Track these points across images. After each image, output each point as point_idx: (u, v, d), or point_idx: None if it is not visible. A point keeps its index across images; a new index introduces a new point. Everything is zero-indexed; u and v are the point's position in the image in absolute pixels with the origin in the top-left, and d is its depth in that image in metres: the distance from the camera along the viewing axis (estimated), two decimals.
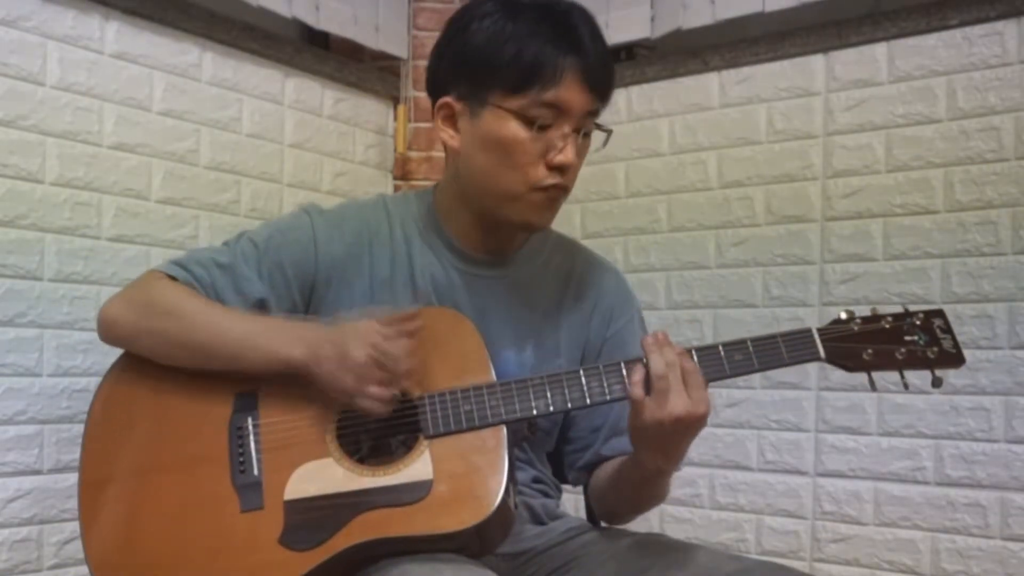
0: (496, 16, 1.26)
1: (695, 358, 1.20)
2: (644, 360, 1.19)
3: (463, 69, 1.28)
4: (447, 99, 1.30)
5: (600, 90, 1.28)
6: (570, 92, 1.24)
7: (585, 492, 1.48)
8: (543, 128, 1.25)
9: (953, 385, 2.00)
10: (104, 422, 1.32)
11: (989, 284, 1.98)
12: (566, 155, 1.26)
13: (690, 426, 1.17)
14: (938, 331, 1.20)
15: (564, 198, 1.33)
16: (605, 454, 1.40)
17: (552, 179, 1.27)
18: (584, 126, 1.28)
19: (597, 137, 1.35)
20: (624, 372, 1.21)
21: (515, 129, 1.25)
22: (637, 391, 1.17)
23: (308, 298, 1.35)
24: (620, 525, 1.44)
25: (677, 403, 1.14)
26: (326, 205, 1.44)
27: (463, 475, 1.18)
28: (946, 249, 2.02)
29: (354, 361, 1.19)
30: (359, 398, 1.19)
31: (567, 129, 1.26)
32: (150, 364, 1.31)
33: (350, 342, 1.21)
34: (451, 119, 1.31)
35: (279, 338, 1.24)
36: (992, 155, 1.98)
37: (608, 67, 1.29)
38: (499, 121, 1.26)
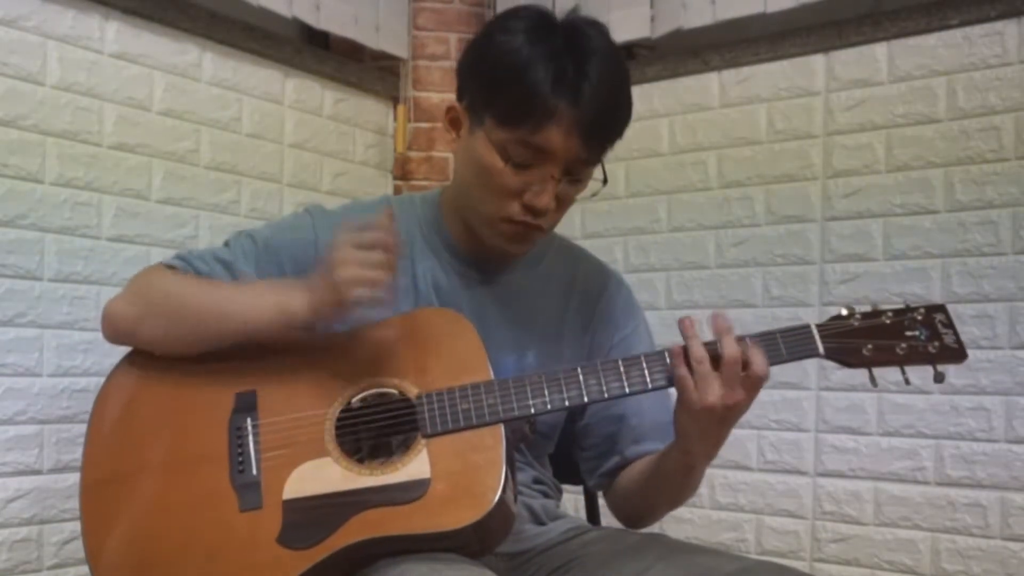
0: (519, 36, 1.22)
1: (669, 358, 1.20)
2: (666, 354, 1.19)
3: (473, 82, 1.28)
4: (456, 104, 1.31)
5: (591, 141, 1.23)
6: (555, 138, 1.20)
7: (605, 495, 1.47)
8: (522, 167, 1.23)
9: (953, 385, 2.00)
10: (106, 421, 1.32)
11: (989, 284, 1.98)
12: (540, 199, 1.23)
13: (741, 412, 1.20)
14: (940, 326, 1.19)
15: (541, 235, 1.31)
16: (631, 456, 1.39)
17: (524, 217, 1.25)
18: (574, 171, 1.25)
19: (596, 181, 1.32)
20: (622, 370, 1.21)
21: (495, 160, 1.24)
22: (682, 369, 1.17)
23: None
24: (645, 527, 1.44)
25: (719, 389, 1.16)
26: (329, 206, 1.44)
27: (461, 473, 1.18)
28: (946, 249, 2.02)
29: (331, 254, 1.19)
30: (348, 285, 1.17)
31: (548, 173, 1.23)
32: (152, 364, 1.31)
33: (325, 263, 1.20)
34: (456, 123, 1.32)
35: (283, 291, 1.24)
36: (992, 155, 1.98)
37: (610, 119, 1.24)
38: (484, 146, 1.25)
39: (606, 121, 1.24)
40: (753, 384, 1.18)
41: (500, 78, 1.22)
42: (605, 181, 1.29)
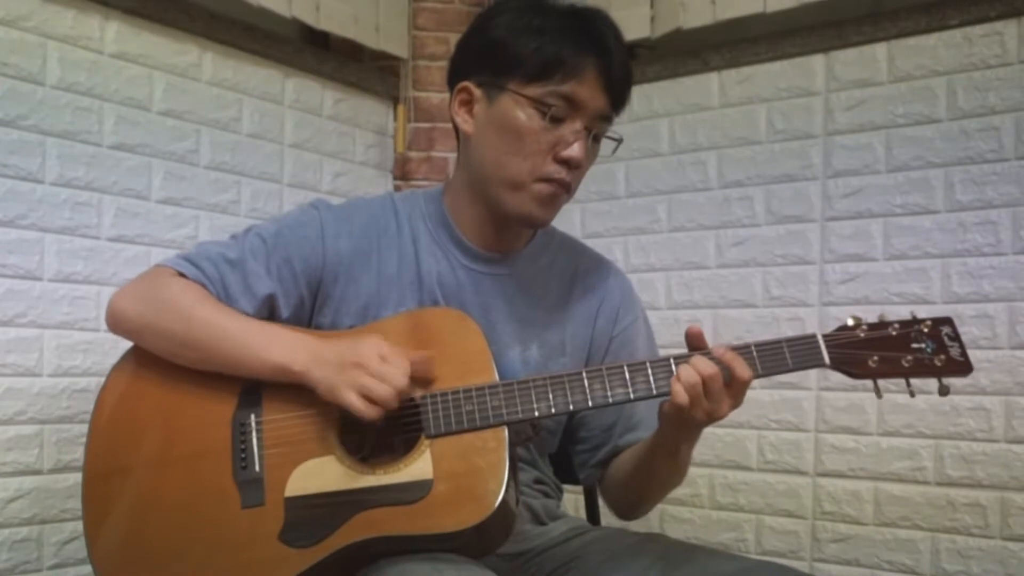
0: (524, 12, 1.29)
1: (675, 366, 1.21)
2: (671, 362, 1.20)
3: (486, 55, 1.31)
4: (466, 83, 1.33)
5: (616, 93, 1.29)
6: (588, 89, 1.26)
7: (599, 488, 1.48)
8: (556, 120, 1.27)
9: (953, 385, 2.00)
10: (109, 416, 1.32)
11: (989, 284, 1.98)
12: (575, 150, 1.27)
13: (725, 413, 1.21)
14: (946, 339, 1.19)
15: (566, 198, 1.34)
16: (622, 445, 1.41)
17: (558, 172, 1.29)
18: (596, 128, 1.30)
19: (607, 145, 1.35)
20: (627, 376, 1.21)
21: (529, 116, 1.27)
22: (684, 382, 1.18)
23: (315, 293, 1.36)
24: (640, 516, 1.46)
25: (722, 405, 1.18)
26: (334, 201, 1.44)
27: (463, 475, 1.18)
28: (946, 249, 2.02)
29: (353, 361, 1.19)
30: (350, 394, 1.18)
31: (579, 125, 1.28)
32: (156, 359, 1.32)
33: (356, 346, 1.21)
34: (468, 104, 1.34)
35: (280, 347, 1.24)
36: (992, 155, 1.98)
37: (627, 73, 1.31)
38: (515, 107, 1.28)
39: (627, 76, 1.30)
40: (737, 392, 1.19)
41: (523, 42, 1.27)
42: (620, 139, 1.34)
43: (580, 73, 1.25)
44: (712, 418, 1.19)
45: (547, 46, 1.26)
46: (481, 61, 1.31)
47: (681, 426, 1.23)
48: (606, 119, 1.31)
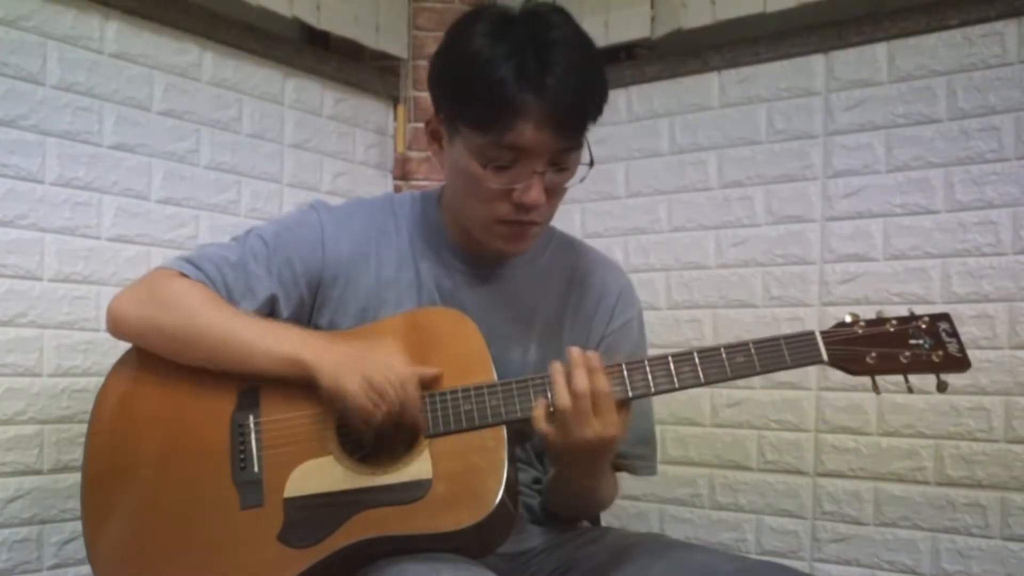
0: (480, 38, 1.20)
1: (696, 359, 1.20)
2: (667, 360, 1.20)
3: (442, 96, 1.27)
4: (433, 118, 1.30)
5: (565, 131, 1.21)
6: (528, 135, 1.19)
7: None
8: (503, 168, 1.22)
9: (953, 385, 1.98)
10: (108, 418, 1.32)
11: (989, 284, 1.98)
12: (528, 196, 1.22)
13: (600, 447, 1.18)
14: (943, 335, 1.19)
15: (539, 230, 1.31)
16: None
17: (517, 216, 1.25)
18: (559, 160, 1.24)
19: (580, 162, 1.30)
20: (625, 374, 1.21)
21: (476, 167, 1.23)
22: (541, 424, 1.18)
23: (315, 294, 1.36)
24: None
25: (584, 429, 1.15)
26: (330, 202, 1.44)
27: (462, 475, 1.18)
28: (946, 249, 2.02)
29: (364, 355, 1.20)
30: (354, 384, 1.19)
31: (531, 169, 1.22)
32: (155, 360, 1.32)
33: (370, 346, 1.21)
34: (437, 135, 1.31)
35: (289, 340, 1.25)
36: (992, 155, 1.98)
37: (579, 104, 1.21)
38: (464, 155, 1.24)
39: (575, 107, 1.21)
40: (603, 407, 1.16)
41: (465, 85, 1.21)
42: (592, 163, 1.28)
43: (516, 122, 1.18)
44: (571, 443, 1.17)
45: (486, 94, 1.18)
46: (442, 96, 1.28)
47: (552, 453, 1.23)
48: (565, 150, 1.24)
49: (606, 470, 1.31)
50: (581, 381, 1.16)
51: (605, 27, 2.39)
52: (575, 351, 1.19)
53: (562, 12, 1.25)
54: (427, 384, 1.23)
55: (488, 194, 1.24)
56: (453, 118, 1.25)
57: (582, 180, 1.28)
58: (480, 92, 1.19)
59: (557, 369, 1.19)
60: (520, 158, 1.21)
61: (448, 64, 1.26)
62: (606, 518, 1.59)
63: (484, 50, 1.19)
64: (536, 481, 1.47)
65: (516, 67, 1.17)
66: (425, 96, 2.56)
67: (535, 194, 1.23)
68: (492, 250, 1.33)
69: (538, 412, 1.18)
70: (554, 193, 1.27)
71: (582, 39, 1.24)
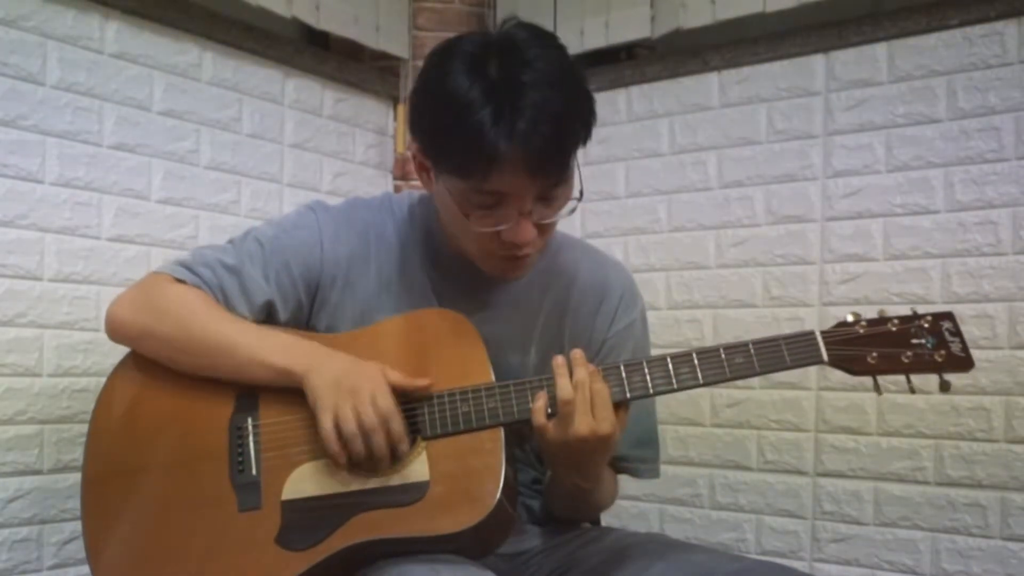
0: (456, 76, 1.16)
1: (695, 360, 1.20)
2: (666, 360, 1.20)
3: (422, 133, 1.24)
4: (417, 153, 1.27)
5: (542, 174, 1.18)
6: (507, 180, 1.16)
7: None
8: (488, 210, 1.20)
9: (953, 385, 1.99)
10: (109, 418, 1.32)
11: (989, 284, 1.98)
12: (515, 236, 1.20)
13: (596, 446, 1.17)
14: (947, 334, 1.18)
15: (534, 258, 1.29)
16: None
17: (509, 252, 1.23)
18: (545, 196, 1.21)
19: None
20: (624, 375, 1.20)
21: (458, 212, 1.22)
22: (539, 418, 1.18)
23: (313, 297, 1.36)
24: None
25: (581, 425, 1.15)
26: (329, 202, 1.44)
27: (460, 476, 1.18)
28: (946, 249, 2.02)
29: (349, 387, 1.20)
30: (327, 418, 1.19)
31: (515, 211, 1.19)
32: (153, 364, 1.32)
33: (358, 373, 1.20)
34: (424, 168, 1.28)
35: (281, 351, 1.25)
36: (992, 155, 1.98)
37: (555, 147, 1.17)
38: (447, 198, 1.23)
39: (551, 149, 1.17)
40: (599, 403, 1.16)
41: (443, 129, 1.18)
42: (580, 196, 1.25)
43: (494, 169, 1.15)
44: (567, 438, 1.17)
45: (459, 140, 1.16)
46: (422, 136, 1.24)
47: (548, 451, 1.23)
48: (550, 186, 1.21)
49: (603, 473, 1.30)
50: (582, 374, 1.16)
51: (605, 27, 2.39)
52: (576, 351, 1.19)
53: (541, 39, 1.20)
54: (418, 395, 1.22)
55: (476, 232, 1.22)
56: (434, 159, 1.23)
57: (571, 212, 1.25)
58: (457, 139, 1.16)
59: (560, 362, 1.19)
60: (503, 201, 1.19)
61: (425, 106, 1.22)
62: (606, 518, 1.59)
63: (459, 91, 1.15)
64: (535, 482, 1.46)
65: (491, 112, 1.13)
66: None
67: (523, 234, 1.20)
68: (490, 275, 1.32)
69: (538, 404, 1.18)
70: (545, 227, 1.25)
71: (557, 72, 1.18)
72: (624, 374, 1.20)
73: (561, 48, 1.22)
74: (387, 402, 1.19)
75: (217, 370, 1.27)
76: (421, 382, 1.23)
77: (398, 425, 1.19)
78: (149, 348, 1.32)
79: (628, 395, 1.20)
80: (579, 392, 1.16)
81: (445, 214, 1.29)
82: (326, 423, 1.19)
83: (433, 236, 1.38)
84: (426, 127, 1.23)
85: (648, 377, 1.20)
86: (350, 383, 1.19)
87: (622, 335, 1.43)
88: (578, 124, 1.20)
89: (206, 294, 1.31)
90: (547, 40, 1.21)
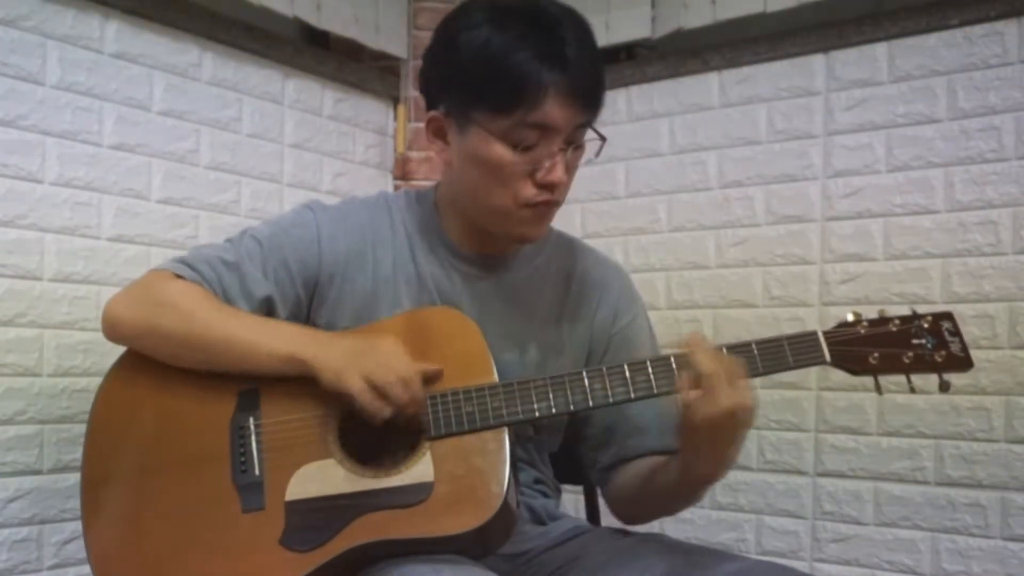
0: (483, 28, 1.22)
1: (675, 364, 1.20)
2: (672, 360, 1.19)
3: (449, 86, 1.27)
4: (436, 113, 1.29)
5: (587, 104, 1.24)
6: (555, 111, 1.21)
7: (603, 491, 1.47)
8: (528, 148, 1.23)
9: (953, 385, 1.99)
10: (107, 420, 1.32)
11: (989, 284, 1.98)
12: (554, 174, 1.24)
13: (741, 420, 1.15)
14: (946, 334, 1.19)
15: (556, 209, 1.32)
16: (629, 454, 1.39)
17: (541, 196, 1.26)
18: (575, 138, 1.26)
19: (593, 144, 1.31)
20: (628, 375, 1.20)
21: (500, 151, 1.23)
22: (686, 395, 1.15)
23: (312, 294, 1.36)
24: (642, 525, 1.44)
25: (726, 397, 1.13)
26: (328, 202, 1.44)
27: (465, 477, 1.18)
28: (946, 249, 2.02)
29: (365, 349, 1.20)
30: (358, 381, 1.19)
31: (555, 147, 1.23)
32: (153, 362, 1.31)
33: (371, 341, 1.21)
34: (440, 132, 1.30)
35: (286, 338, 1.25)
36: (992, 155, 1.98)
37: (596, 78, 1.25)
38: (484, 142, 1.24)
39: (596, 78, 1.25)
40: (740, 376, 1.15)
41: (483, 71, 1.21)
42: (604, 139, 1.29)
43: (544, 99, 1.19)
44: (714, 413, 1.14)
45: (506, 75, 1.19)
46: (445, 89, 1.27)
47: (696, 435, 1.18)
48: (583, 126, 1.26)
49: (735, 457, 1.24)
50: (716, 353, 1.16)
51: (605, 27, 2.39)
52: (695, 333, 1.21)
53: None
54: (429, 380, 1.22)
55: (511, 178, 1.25)
56: (465, 109, 1.24)
57: (597, 154, 1.29)
58: (502, 75, 1.20)
59: (698, 338, 1.18)
60: (544, 137, 1.22)
61: (455, 57, 1.25)
62: (606, 518, 1.59)
63: (494, 37, 1.21)
64: (537, 481, 1.46)
65: (535, 46, 1.19)
66: None
67: (559, 172, 1.24)
68: (510, 237, 1.32)
69: (683, 382, 1.16)
70: (571, 171, 1.29)
71: (577, 14, 1.26)
72: (628, 374, 1.20)
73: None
74: (404, 360, 1.20)
75: (220, 363, 1.26)
76: (432, 366, 1.23)
77: (419, 386, 1.20)
78: (149, 345, 1.31)
79: (632, 395, 1.20)
80: (720, 366, 1.14)
81: (471, 173, 1.29)
82: (356, 383, 1.18)
83: (432, 229, 1.38)
84: (459, 79, 1.25)
85: (652, 377, 1.20)
86: (367, 345, 1.20)
87: (629, 330, 1.43)
88: (603, 65, 1.28)
89: (206, 289, 1.31)
90: None
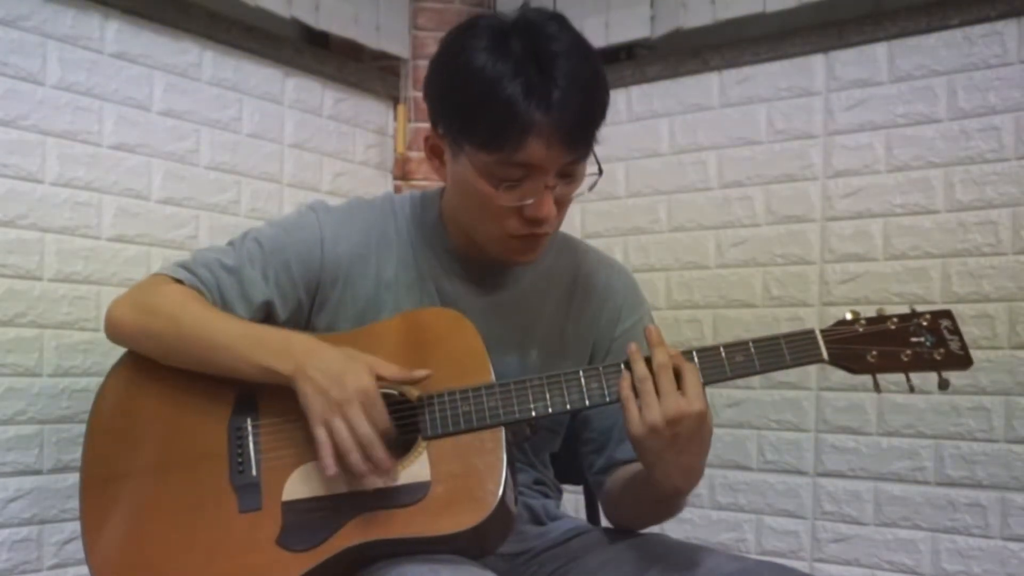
0: (482, 53, 1.18)
1: (695, 359, 1.19)
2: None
3: (444, 107, 1.25)
4: (432, 133, 1.28)
5: (575, 144, 1.20)
6: (539, 152, 1.18)
7: (599, 496, 1.47)
8: (514, 185, 1.21)
9: (953, 385, 1.98)
10: (106, 421, 1.32)
11: (989, 284, 1.98)
12: (541, 211, 1.21)
13: (691, 428, 1.13)
14: (945, 332, 1.18)
15: (547, 239, 1.30)
16: (619, 457, 1.38)
17: (528, 229, 1.24)
18: (567, 173, 1.23)
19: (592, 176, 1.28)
20: (624, 373, 1.20)
21: (484, 187, 1.22)
22: (626, 392, 1.15)
23: (313, 297, 1.36)
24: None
25: (669, 404, 1.12)
26: (330, 202, 1.43)
27: (461, 477, 1.18)
28: (946, 249, 2.02)
29: (337, 398, 1.17)
30: (321, 430, 1.17)
31: (541, 184, 1.20)
32: (153, 363, 1.32)
33: (344, 372, 1.18)
34: (437, 151, 1.29)
35: (269, 350, 1.24)
36: (992, 155, 1.98)
37: (586, 118, 1.20)
38: (472, 171, 1.23)
39: (584, 118, 1.20)
40: (691, 383, 1.14)
41: (471, 104, 1.19)
42: (600, 171, 1.26)
43: (526, 139, 1.16)
44: (652, 420, 1.13)
45: (492, 112, 1.16)
46: (444, 113, 1.25)
47: (646, 449, 1.17)
48: (574, 162, 1.23)
49: (700, 469, 1.23)
50: (662, 356, 1.14)
51: (605, 27, 2.39)
52: (652, 327, 1.18)
53: (558, 18, 1.23)
54: (418, 381, 1.22)
55: (497, 212, 1.23)
56: (457, 136, 1.23)
57: (591, 188, 1.26)
58: (488, 111, 1.17)
59: (633, 348, 1.17)
60: (530, 174, 1.20)
61: (450, 81, 1.23)
62: (606, 518, 1.59)
63: (487, 67, 1.17)
64: (537, 482, 1.46)
65: (523, 84, 1.15)
66: None
67: (546, 209, 1.22)
68: (502, 261, 1.32)
69: (624, 383, 1.15)
70: (563, 204, 1.26)
71: (581, 46, 1.22)
72: (624, 371, 1.20)
73: (573, 27, 1.24)
74: (376, 397, 1.18)
75: (207, 367, 1.27)
76: (419, 373, 1.22)
77: (382, 448, 1.17)
78: (145, 347, 1.32)
79: None
80: (662, 373, 1.13)
81: (462, 198, 1.28)
82: (320, 433, 1.17)
83: (436, 235, 1.38)
84: (451, 101, 1.23)
85: None
86: (339, 390, 1.17)
87: (631, 334, 1.42)
88: (602, 98, 1.23)
89: (201, 293, 1.31)
90: (561, 18, 1.24)
